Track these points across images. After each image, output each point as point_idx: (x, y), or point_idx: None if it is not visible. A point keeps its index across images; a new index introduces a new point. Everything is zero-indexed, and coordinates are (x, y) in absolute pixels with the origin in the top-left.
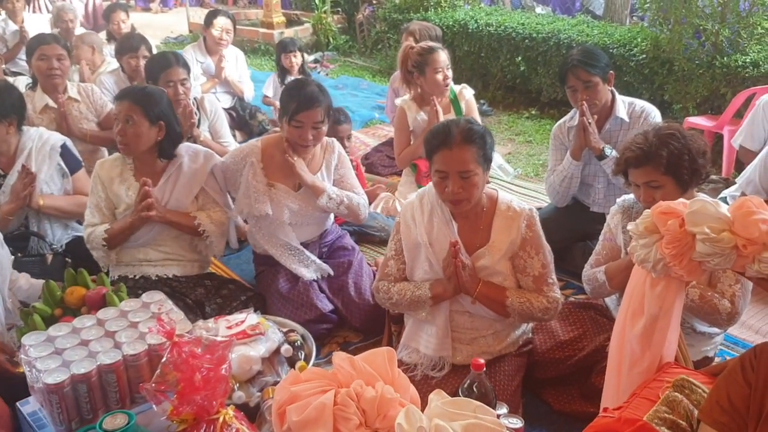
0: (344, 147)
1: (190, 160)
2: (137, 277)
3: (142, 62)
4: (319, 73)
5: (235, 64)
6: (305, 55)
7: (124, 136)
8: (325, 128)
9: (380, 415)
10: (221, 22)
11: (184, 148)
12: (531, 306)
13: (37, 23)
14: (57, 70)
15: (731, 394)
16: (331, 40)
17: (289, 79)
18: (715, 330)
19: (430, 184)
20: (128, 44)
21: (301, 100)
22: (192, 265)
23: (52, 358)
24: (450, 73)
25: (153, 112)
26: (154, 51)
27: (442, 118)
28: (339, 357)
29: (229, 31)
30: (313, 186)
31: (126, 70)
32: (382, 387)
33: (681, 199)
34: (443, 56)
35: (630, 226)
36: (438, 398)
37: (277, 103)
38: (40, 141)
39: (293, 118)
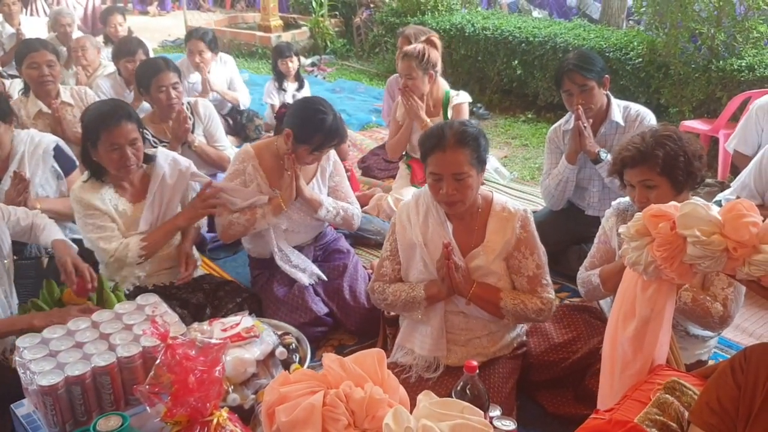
0: (346, 154)
1: (170, 167)
2: (131, 288)
3: None
4: (316, 76)
5: (224, 69)
6: (302, 59)
7: (131, 158)
8: None
9: (369, 415)
10: (195, 47)
11: (162, 157)
12: (525, 307)
13: (35, 26)
14: (48, 76)
15: (721, 395)
16: (328, 43)
17: (286, 83)
18: (709, 333)
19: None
20: (125, 48)
21: (328, 136)
22: None
23: (46, 360)
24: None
25: (139, 121)
26: (152, 55)
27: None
28: (329, 358)
29: (203, 52)
30: (311, 199)
31: (123, 74)
32: (371, 388)
33: (672, 202)
34: None
35: (621, 229)
36: (426, 399)
37: None
38: (32, 144)
39: (318, 150)
